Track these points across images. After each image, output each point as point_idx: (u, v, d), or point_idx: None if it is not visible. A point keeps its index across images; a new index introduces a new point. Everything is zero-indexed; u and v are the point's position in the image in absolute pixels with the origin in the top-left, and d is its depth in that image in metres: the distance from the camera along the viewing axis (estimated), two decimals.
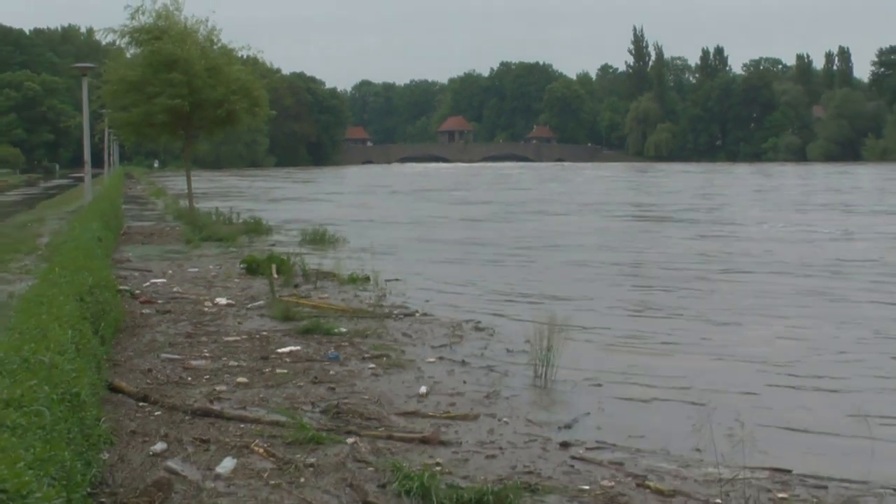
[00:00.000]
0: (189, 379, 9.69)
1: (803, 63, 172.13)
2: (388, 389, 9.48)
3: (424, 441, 7.69)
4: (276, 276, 16.86)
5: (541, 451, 7.71)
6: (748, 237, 28.94)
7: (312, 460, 7.00)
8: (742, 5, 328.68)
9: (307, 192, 64.08)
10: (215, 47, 32.22)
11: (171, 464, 6.79)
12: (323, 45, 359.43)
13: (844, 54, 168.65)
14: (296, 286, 16.64)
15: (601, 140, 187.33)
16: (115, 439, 7.20)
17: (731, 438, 7.48)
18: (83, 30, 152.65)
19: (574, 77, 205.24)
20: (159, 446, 7.25)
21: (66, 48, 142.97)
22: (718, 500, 6.62)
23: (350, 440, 7.55)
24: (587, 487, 6.78)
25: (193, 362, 10.42)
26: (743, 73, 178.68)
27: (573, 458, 7.54)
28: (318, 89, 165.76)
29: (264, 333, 12.21)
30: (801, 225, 33.32)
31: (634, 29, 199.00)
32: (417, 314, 14.18)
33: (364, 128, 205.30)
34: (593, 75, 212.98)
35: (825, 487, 7.05)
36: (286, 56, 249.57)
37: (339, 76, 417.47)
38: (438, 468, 6.90)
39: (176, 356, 10.73)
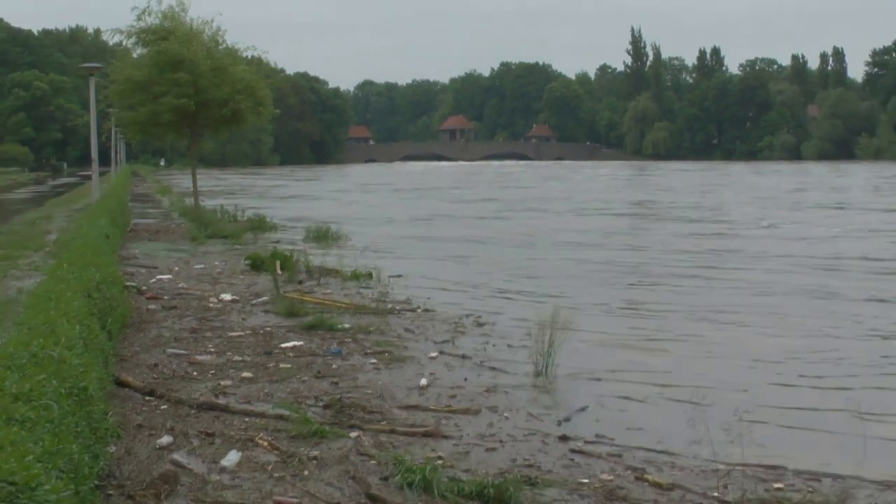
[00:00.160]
0: (194, 373, 9.69)
1: (798, 63, 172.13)
2: (390, 383, 9.48)
3: (427, 435, 7.69)
4: (279, 272, 16.86)
5: (540, 444, 7.70)
6: (745, 235, 28.91)
7: (316, 453, 7.00)
8: (738, 7, 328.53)
9: (311, 190, 64.06)
10: (220, 48, 32.24)
11: (176, 457, 6.79)
12: (326, 46, 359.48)
13: (839, 55, 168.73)
14: (299, 282, 16.64)
15: (600, 139, 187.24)
16: (122, 433, 7.20)
17: (727, 433, 7.47)
18: (90, 31, 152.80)
19: (573, 77, 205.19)
20: (165, 439, 7.25)
21: (74, 49, 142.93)
22: (716, 493, 6.62)
23: (353, 434, 7.55)
24: (586, 481, 6.78)
25: (199, 357, 10.42)
26: (739, 73, 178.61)
27: (572, 451, 7.53)
28: (321, 89, 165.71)
29: (268, 329, 12.20)
30: (798, 223, 33.29)
31: (632, 30, 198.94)
32: (419, 310, 14.18)
33: (367, 127, 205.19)
34: (592, 75, 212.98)
35: (819, 481, 7.05)
36: (290, 56, 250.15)
37: (342, 76, 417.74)
38: (440, 461, 6.90)
39: (181, 351, 10.73)
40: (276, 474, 6.54)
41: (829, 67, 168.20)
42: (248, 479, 6.44)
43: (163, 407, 8.27)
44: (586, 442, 7.84)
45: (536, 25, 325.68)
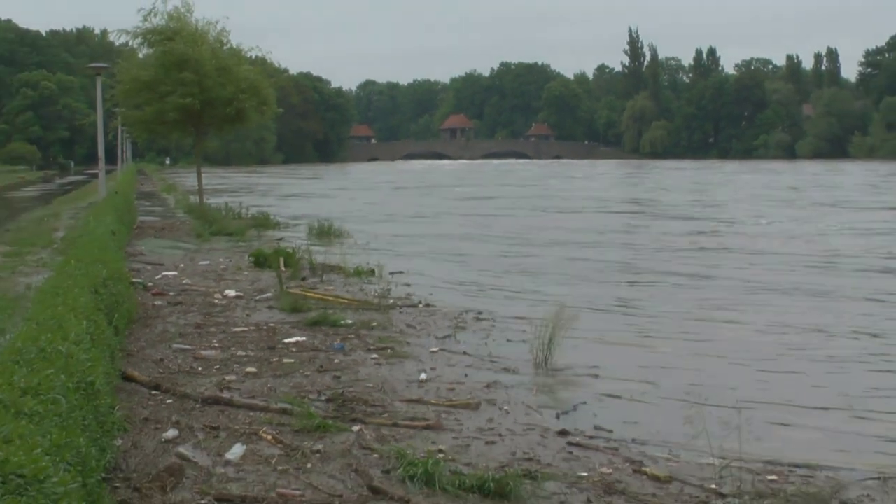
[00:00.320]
0: (199, 368, 9.69)
1: (793, 63, 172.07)
2: (392, 378, 9.47)
3: (428, 428, 7.69)
4: (283, 269, 16.85)
5: (539, 438, 7.70)
6: (741, 232, 28.91)
7: (319, 447, 6.99)
8: (734, 7, 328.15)
9: (314, 188, 64.02)
10: (225, 48, 32.21)
11: (182, 450, 6.79)
12: (329, 46, 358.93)
13: (832, 55, 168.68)
14: (303, 279, 16.63)
15: (598, 137, 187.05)
16: (129, 426, 7.20)
17: (723, 427, 7.48)
18: (97, 31, 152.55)
19: (571, 77, 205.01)
20: (171, 433, 7.25)
21: (81, 49, 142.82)
22: (713, 485, 6.62)
23: (355, 427, 7.54)
24: (585, 474, 6.77)
25: (203, 352, 10.42)
26: (735, 73, 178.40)
27: (571, 444, 7.53)
28: (324, 88, 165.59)
29: (272, 325, 12.20)
30: (795, 220, 33.28)
31: (630, 30, 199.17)
32: (420, 305, 14.18)
33: (369, 126, 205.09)
34: (590, 75, 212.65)
35: (813, 476, 7.05)
36: (293, 57, 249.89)
37: (345, 76, 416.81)
38: (441, 455, 6.89)
39: (187, 346, 10.73)
40: (280, 467, 6.54)
41: (823, 67, 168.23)
42: (252, 471, 6.44)
43: (168, 401, 8.27)
44: (585, 436, 7.84)
45: (536, 26, 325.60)
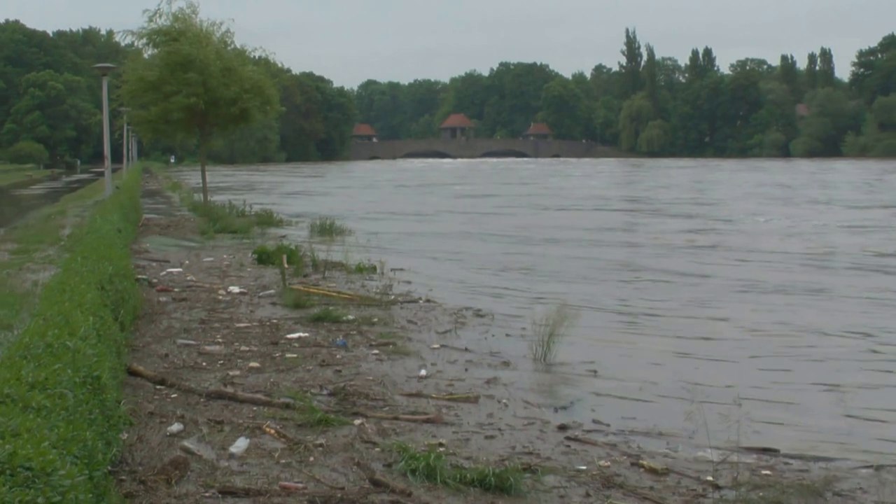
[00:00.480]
0: (204, 363, 9.68)
1: (787, 64, 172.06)
2: (393, 373, 9.47)
3: (429, 422, 7.68)
4: (286, 265, 16.83)
5: (539, 432, 7.70)
6: (740, 230, 28.89)
7: (322, 441, 6.99)
8: (729, 9, 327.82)
9: (316, 187, 63.99)
10: (229, 49, 32.19)
11: (187, 444, 6.79)
12: (331, 47, 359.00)
13: (826, 55, 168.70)
14: (305, 275, 16.62)
15: (596, 136, 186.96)
16: (135, 420, 7.19)
17: (720, 421, 7.48)
18: (103, 32, 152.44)
19: (570, 77, 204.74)
20: (176, 427, 7.24)
21: (88, 49, 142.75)
22: (709, 477, 6.62)
23: (357, 421, 7.54)
24: (584, 467, 6.77)
25: (208, 348, 10.41)
26: (730, 73, 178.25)
27: (570, 439, 7.53)
28: (326, 88, 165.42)
29: (275, 321, 12.19)
30: (792, 218, 33.25)
31: (627, 31, 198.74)
32: (421, 301, 14.18)
33: (370, 125, 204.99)
34: (588, 75, 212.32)
35: (808, 469, 7.05)
36: (296, 57, 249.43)
37: (347, 76, 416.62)
38: (441, 448, 6.89)
39: (191, 342, 10.73)
40: (283, 461, 6.53)
41: (817, 67, 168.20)
42: (255, 465, 6.43)
43: (173, 395, 8.27)
44: (583, 430, 7.84)
45: (535, 27, 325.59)
